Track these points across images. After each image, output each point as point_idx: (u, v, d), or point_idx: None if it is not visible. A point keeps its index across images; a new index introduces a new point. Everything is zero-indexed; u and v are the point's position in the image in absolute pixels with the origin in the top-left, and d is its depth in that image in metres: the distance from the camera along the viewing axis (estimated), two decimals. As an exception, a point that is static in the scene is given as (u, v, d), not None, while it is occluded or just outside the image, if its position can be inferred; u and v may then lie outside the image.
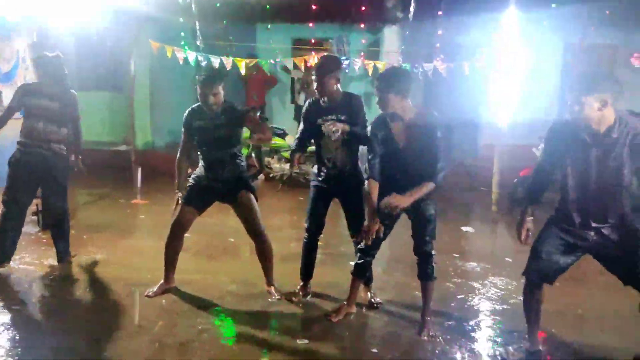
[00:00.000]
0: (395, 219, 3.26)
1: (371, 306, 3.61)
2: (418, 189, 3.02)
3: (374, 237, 3.17)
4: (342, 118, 3.44)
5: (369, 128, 3.30)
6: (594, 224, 2.70)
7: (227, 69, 6.88)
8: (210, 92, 3.44)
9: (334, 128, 3.34)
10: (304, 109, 3.66)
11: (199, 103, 3.57)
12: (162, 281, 3.76)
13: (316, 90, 3.48)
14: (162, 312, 3.48)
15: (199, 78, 3.48)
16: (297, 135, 3.71)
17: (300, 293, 3.77)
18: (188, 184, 3.70)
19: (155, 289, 3.71)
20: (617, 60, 8.93)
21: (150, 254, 4.45)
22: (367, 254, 3.33)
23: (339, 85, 3.49)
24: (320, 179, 3.61)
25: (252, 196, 3.67)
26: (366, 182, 3.21)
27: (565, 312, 3.65)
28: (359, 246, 3.39)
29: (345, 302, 3.47)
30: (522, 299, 3.02)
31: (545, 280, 2.88)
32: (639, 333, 3.28)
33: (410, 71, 7.25)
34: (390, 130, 3.14)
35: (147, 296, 3.66)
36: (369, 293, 3.69)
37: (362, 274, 3.41)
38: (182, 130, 3.65)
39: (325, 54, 3.85)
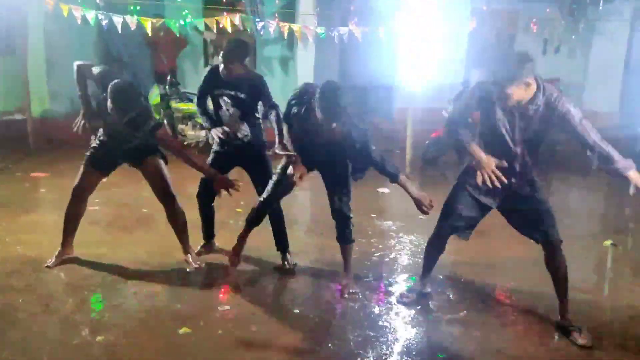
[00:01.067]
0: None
1: (287, 270, 3.61)
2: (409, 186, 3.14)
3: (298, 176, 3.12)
4: (242, 95, 3.47)
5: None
6: (508, 182, 2.84)
7: (132, 29, 6.41)
8: (122, 115, 3.09)
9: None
10: (204, 77, 3.61)
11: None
12: (59, 249, 3.57)
13: (220, 70, 3.43)
14: (70, 289, 3.28)
15: (113, 91, 3.05)
16: (199, 106, 3.64)
17: (203, 250, 3.83)
18: (91, 147, 3.49)
19: (53, 259, 3.52)
20: (518, 26, 9.47)
21: (53, 230, 4.12)
22: (267, 205, 3.36)
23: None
24: (221, 146, 3.58)
25: (160, 160, 3.52)
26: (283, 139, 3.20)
27: (472, 262, 3.91)
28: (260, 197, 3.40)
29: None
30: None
31: (454, 233, 3.08)
32: (534, 278, 3.59)
33: (326, 35, 7.20)
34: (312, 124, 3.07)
35: (47, 267, 3.48)
36: (286, 259, 3.67)
37: (255, 222, 3.42)
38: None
39: (235, 37, 3.77)
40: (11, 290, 3.23)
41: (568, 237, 4.25)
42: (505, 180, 2.81)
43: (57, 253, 3.56)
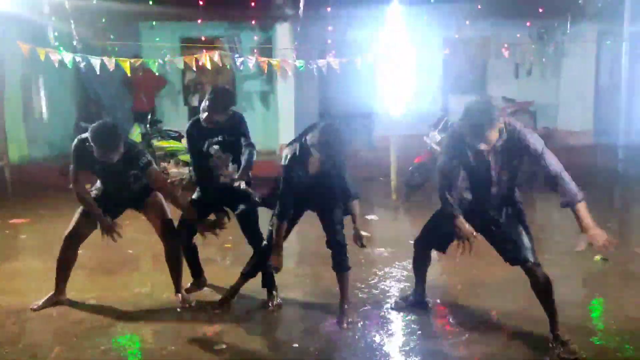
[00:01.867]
0: (298, 217, 3.42)
1: (273, 308, 3.48)
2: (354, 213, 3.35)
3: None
4: (231, 138, 3.47)
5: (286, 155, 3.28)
6: (484, 212, 2.98)
7: (110, 70, 6.40)
8: (112, 155, 3.11)
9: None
10: (186, 133, 3.56)
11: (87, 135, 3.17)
12: (51, 293, 3.47)
13: (203, 118, 3.40)
14: (57, 336, 3.13)
15: (92, 136, 3.07)
16: (193, 167, 3.62)
17: (192, 287, 3.77)
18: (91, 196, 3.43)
19: (41, 302, 3.42)
20: (490, 52, 9.75)
21: (37, 276, 4.01)
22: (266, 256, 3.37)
23: None
24: (204, 193, 3.56)
25: (159, 195, 3.49)
26: (275, 221, 3.22)
27: (467, 283, 3.89)
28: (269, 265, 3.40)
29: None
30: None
31: (434, 248, 3.34)
32: (530, 297, 3.58)
33: (305, 67, 7.29)
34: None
35: (32, 309, 3.37)
36: (271, 299, 3.54)
37: (252, 275, 3.46)
38: (72, 159, 3.30)
39: (220, 86, 3.76)
40: (-7, 343, 3.08)
41: (558, 253, 4.31)
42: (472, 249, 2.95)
43: (47, 297, 3.45)
